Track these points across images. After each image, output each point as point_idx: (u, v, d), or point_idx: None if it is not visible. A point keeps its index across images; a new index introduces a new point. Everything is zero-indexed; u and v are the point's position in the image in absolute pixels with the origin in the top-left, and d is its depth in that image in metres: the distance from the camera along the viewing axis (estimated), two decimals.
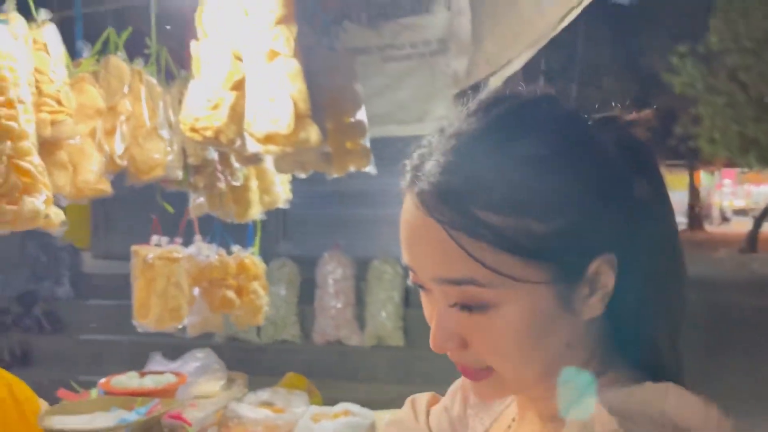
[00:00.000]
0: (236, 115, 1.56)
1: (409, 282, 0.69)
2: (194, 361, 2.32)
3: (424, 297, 0.63)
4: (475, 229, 0.54)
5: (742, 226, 20.82)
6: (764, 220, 17.27)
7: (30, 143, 1.11)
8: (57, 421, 1.67)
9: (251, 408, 2.26)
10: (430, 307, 0.62)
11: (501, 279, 0.56)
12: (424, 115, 3.29)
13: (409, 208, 0.59)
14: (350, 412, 2.27)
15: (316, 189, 6.02)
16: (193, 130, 1.58)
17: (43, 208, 1.11)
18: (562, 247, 0.56)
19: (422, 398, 0.84)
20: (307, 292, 5.37)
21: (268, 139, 1.51)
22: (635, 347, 0.63)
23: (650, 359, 0.63)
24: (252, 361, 5.19)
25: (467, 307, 0.58)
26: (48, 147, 1.44)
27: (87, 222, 7.28)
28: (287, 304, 5.39)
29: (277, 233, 6.11)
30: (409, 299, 5.24)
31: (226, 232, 2.69)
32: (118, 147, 1.62)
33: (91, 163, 1.54)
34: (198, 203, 2.42)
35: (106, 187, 1.55)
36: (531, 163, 0.55)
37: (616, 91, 14.39)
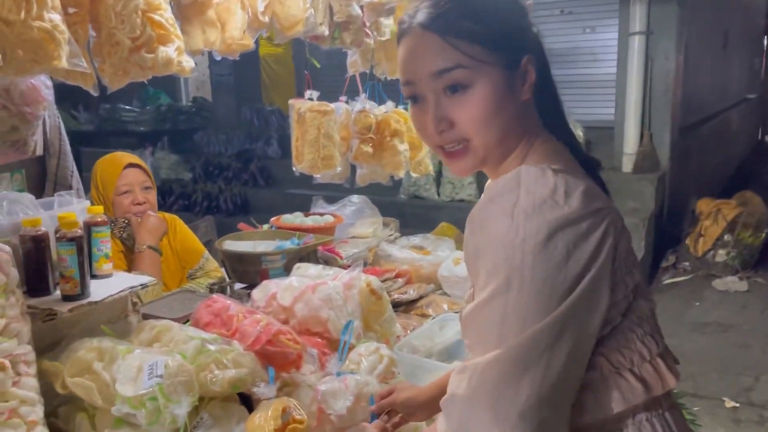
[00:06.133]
0: None
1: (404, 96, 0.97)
2: (351, 205, 2.58)
3: (416, 110, 0.95)
4: (458, 32, 0.88)
5: None
6: None
7: None
8: (228, 244, 2.03)
9: (400, 249, 2.49)
10: (422, 116, 0.93)
11: (473, 62, 0.88)
12: None
13: (408, 41, 0.92)
14: None
15: None
16: None
17: (175, 56, 1.31)
18: (508, 42, 0.90)
19: None
20: None
21: None
22: (553, 122, 0.97)
23: (560, 131, 0.97)
24: (430, 217, 5.52)
25: (454, 88, 0.89)
26: (198, 7, 1.65)
27: (292, 88, 7.93)
28: None
29: None
30: None
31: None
32: (260, 4, 1.78)
33: (236, 20, 1.73)
34: (353, 60, 2.56)
35: (249, 43, 1.73)
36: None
37: None
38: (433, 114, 0.91)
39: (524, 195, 0.80)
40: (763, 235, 5.20)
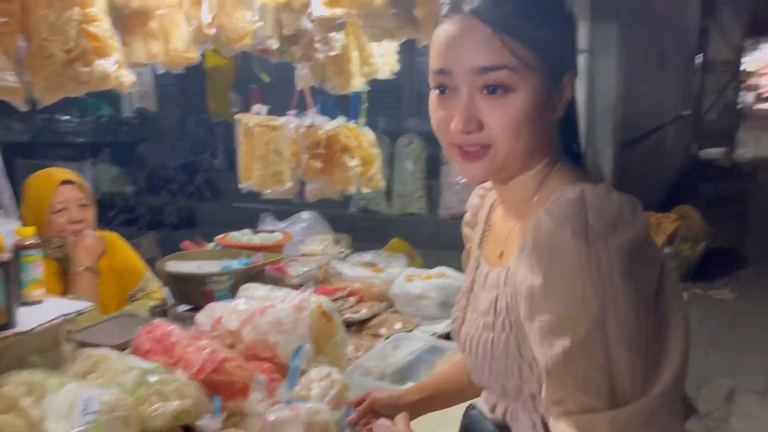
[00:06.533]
0: None
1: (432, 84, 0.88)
2: (301, 222, 2.52)
3: (441, 102, 0.86)
4: (513, 31, 0.80)
5: None
6: None
7: (98, 9, 1.22)
8: (171, 265, 1.95)
9: (351, 266, 2.45)
10: (447, 109, 0.85)
11: (522, 66, 0.81)
12: None
13: (452, 25, 0.83)
14: (443, 274, 2.37)
15: None
16: None
17: (113, 69, 1.24)
18: (558, 53, 0.85)
19: None
20: (433, 168, 5.45)
21: (333, 1, 1.52)
22: (572, 147, 0.93)
23: (576, 156, 0.93)
24: (382, 231, 5.50)
25: (494, 90, 0.82)
26: (140, 18, 1.58)
27: (229, 100, 7.77)
28: (414, 179, 5.53)
29: (411, 109, 6.16)
30: None
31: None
32: (206, 16, 1.72)
33: (180, 32, 1.66)
34: (302, 74, 2.51)
35: (194, 55, 1.67)
36: (548, 4, 0.85)
37: None
38: (465, 112, 0.83)
39: (593, 216, 0.74)
40: (701, 247, 5.40)
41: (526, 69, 0.81)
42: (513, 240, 0.91)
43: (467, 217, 1.11)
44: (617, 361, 0.71)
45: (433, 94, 0.88)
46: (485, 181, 0.92)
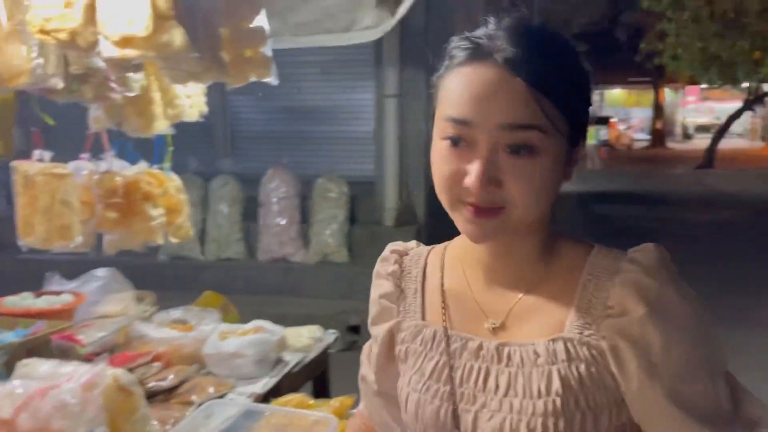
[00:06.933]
0: (95, 14, 1.40)
1: (446, 133, 0.80)
2: (95, 280, 2.24)
3: (453, 154, 0.79)
4: (548, 90, 0.75)
5: (703, 142, 21.17)
6: (722, 137, 17.56)
7: None
8: None
9: (157, 327, 2.22)
10: (460, 163, 0.78)
11: (551, 129, 0.76)
12: (352, 24, 3.12)
13: (477, 72, 0.77)
14: (261, 328, 2.24)
15: (264, 105, 5.86)
16: (44, 31, 1.42)
17: None
18: (583, 118, 0.81)
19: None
20: (251, 210, 5.27)
21: (125, 42, 1.37)
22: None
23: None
24: (195, 279, 5.18)
25: (519, 150, 0.76)
26: None
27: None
28: (231, 222, 5.30)
29: (225, 150, 5.95)
30: (354, 217, 5.20)
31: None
32: None
33: None
34: (95, 116, 2.27)
35: None
36: (577, 65, 0.81)
37: (582, 6, 14.05)
38: (485, 170, 0.76)
39: (674, 272, 0.81)
40: None
41: (554, 132, 0.76)
42: (532, 308, 0.85)
43: (388, 288, 0.97)
44: (723, 394, 0.80)
45: (443, 144, 0.79)
46: (491, 241, 0.84)
